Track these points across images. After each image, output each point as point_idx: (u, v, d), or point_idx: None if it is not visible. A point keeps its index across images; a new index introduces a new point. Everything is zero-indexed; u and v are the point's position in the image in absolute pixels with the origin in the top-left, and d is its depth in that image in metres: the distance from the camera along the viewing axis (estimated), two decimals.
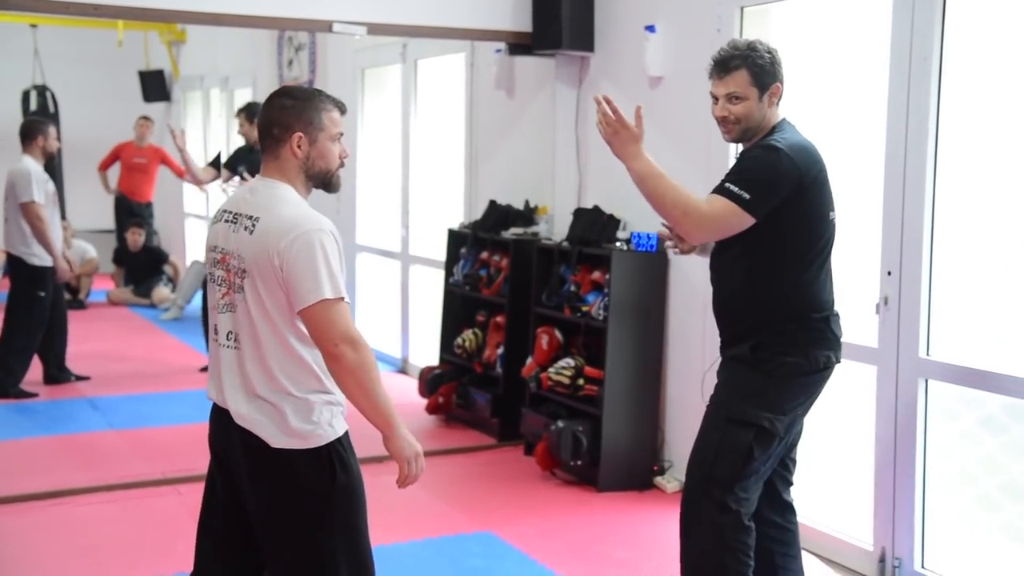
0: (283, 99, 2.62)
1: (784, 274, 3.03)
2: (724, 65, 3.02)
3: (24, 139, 6.39)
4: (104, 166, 10.30)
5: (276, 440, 2.52)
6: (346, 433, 2.60)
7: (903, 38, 3.71)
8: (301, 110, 2.59)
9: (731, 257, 3.09)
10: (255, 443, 2.54)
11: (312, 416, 2.54)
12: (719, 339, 3.20)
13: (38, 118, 7.50)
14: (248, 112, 6.53)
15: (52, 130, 6.47)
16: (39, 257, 6.28)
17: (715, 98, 3.08)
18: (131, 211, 10.14)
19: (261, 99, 8.61)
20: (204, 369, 6.94)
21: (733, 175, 2.99)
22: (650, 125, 4.95)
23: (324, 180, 2.65)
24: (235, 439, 2.58)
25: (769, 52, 3.03)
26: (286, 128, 2.58)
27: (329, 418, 2.56)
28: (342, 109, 2.68)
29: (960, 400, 3.73)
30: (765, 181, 2.94)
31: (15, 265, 6.33)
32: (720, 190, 2.97)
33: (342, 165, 2.68)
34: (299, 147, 2.59)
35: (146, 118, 10.39)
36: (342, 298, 2.49)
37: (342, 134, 2.66)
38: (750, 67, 3.00)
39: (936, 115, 3.65)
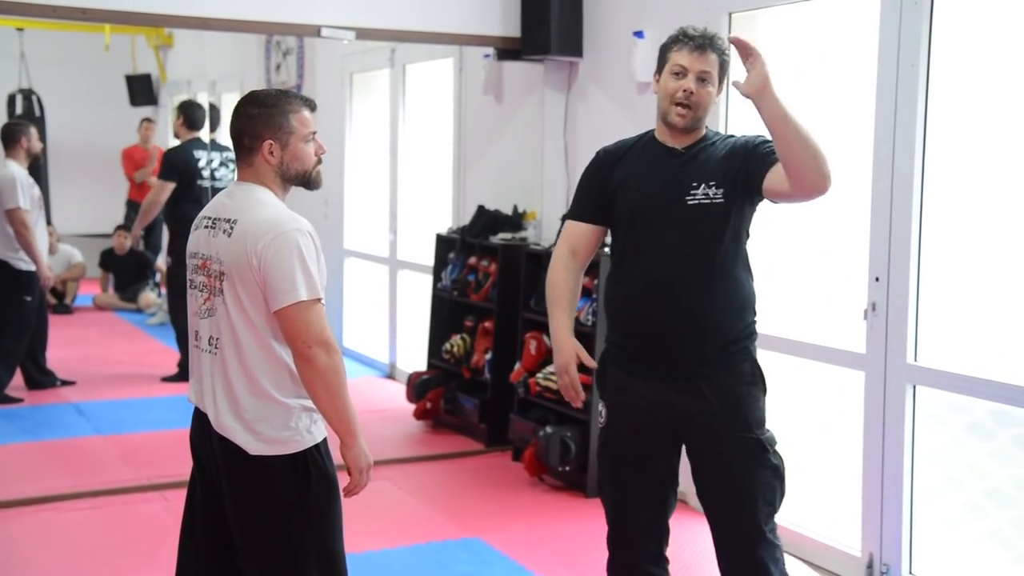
0: (249, 107, 2.60)
1: (749, 272, 2.92)
2: (705, 41, 2.83)
3: (6, 143, 6.36)
4: (131, 172, 10.19)
5: (253, 447, 2.53)
6: (324, 440, 2.60)
7: (890, 44, 3.73)
8: (269, 117, 2.57)
9: (713, 246, 2.82)
10: (233, 448, 2.54)
11: (290, 422, 2.54)
12: (677, 353, 2.86)
13: (18, 120, 7.47)
14: (181, 108, 6.86)
15: (34, 131, 6.45)
16: (25, 261, 6.24)
17: (680, 71, 2.83)
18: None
19: None
20: (166, 379, 6.93)
21: (765, 140, 2.80)
22: (638, 131, 4.95)
23: (303, 180, 2.65)
24: (215, 443, 2.59)
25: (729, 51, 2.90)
26: (256, 137, 2.58)
27: (308, 424, 2.56)
28: (311, 107, 2.65)
29: (948, 406, 3.74)
30: None
31: (0, 269, 6.29)
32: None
33: (319, 162, 2.66)
34: (271, 154, 2.58)
35: (149, 120, 10.37)
36: (318, 300, 2.48)
37: (315, 132, 2.64)
38: (720, 55, 2.86)
39: (923, 121, 3.66)
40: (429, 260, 6.32)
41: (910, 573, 3.78)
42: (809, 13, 4.25)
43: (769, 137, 2.76)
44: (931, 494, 3.78)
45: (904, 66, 3.67)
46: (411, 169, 7.16)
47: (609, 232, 3.03)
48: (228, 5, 4.82)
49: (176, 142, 7.04)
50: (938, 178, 3.69)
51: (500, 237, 5.69)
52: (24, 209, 6.13)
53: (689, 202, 2.83)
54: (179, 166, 6.68)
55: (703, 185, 2.83)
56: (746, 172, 2.81)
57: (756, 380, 2.90)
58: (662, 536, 3.01)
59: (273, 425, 2.53)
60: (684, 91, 2.82)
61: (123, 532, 4.40)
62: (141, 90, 11.60)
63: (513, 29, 5.38)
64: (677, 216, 2.84)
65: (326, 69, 7.92)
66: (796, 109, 2.67)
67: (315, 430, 2.58)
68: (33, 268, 6.26)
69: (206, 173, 6.73)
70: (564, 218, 3.08)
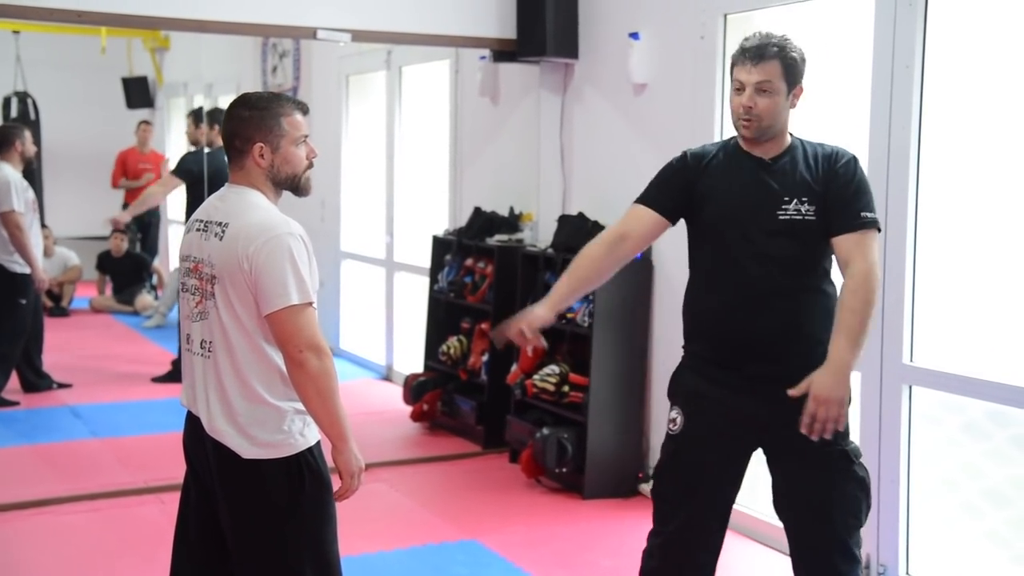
0: (240, 110, 2.60)
1: (833, 282, 2.88)
2: (759, 51, 2.76)
3: (0, 146, 6.36)
4: (115, 181, 10.20)
5: (246, 451, 2.53)
6: (318, 443, 2.60)
7: (885, 46, 3.73)
8: (260, 119, 2.57)
9: (803, 259, 2.80)
10: (226, 452, 2.54)
11: (283, 425, 2.54)
12: (759, 356, 2.81)
13: (11, 124, 7.46)
14: (195, 117, 6.76)
15: (28, 134, 6.44)
16: (20, 264, 6.23)
17: (740, 87, 2.79)
18: (140, 219, 10.08)
19: None
20: (157, 379, 6.92)
21: (857, 200, 2.76)
22: (634, 132, 4.96)
23: (292, 184, 2.64)
24: (208, 447, 2.59)
25: (799, 50, 2.82)
26: (247, 139, 2.57)
27: (301, 427, 2.56)
28: (304, 110, 2.65)
29: (943, 406, 3.74)
30: (873, 196, 2.82)
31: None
32: (861, 223, 2.75)
33: (310, 166, 2.65)
34: (262, 156, 2.57)
35: (147, 123, 10.36)
36: (310, 304, 2.48)
37: (306, 136, 2.63)
38: (784, 59, 2.76)
39: (918, 122, 3.66)
40: (426, 262, 6.32)
41: (907, 573, 3.78)
42: (804, 14, 4.26)
43: (852, 184, 2.78)
44: (927, 494, 3.79)
45: (899, 67, 3.68)
46: (407, 171, 7.16)
47: (689, 240, 2.96)
48: (224, 7, 4.81)
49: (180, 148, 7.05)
50: (933, 179, 3.69)
51: (496, 239, 5.69)
52: (18, 212, 6.11)
53: (780, 217, 2.78)
54: (193, 171, 6.62)
55: (795, 200, 2.79)
56: (828, 215, 2.78)
57: None
58: (717, 548, 2.95)
59: (266, 428, 2.53)
60: (743, 107, 2.78)
61: (119, 535, 4.39)
62: (137, 93, 11.58)
63: (509, 31, 5.38)
64: (770, 230, 2.79)
65: (322, 71, 7.92)
66: (855, 346, 2.68)
67: (308, 433, 2.58)
68: (28, 271, 6.25)
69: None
70: (635, 201, 2.95)
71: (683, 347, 3.00)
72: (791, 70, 2.78)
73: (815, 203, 2.78)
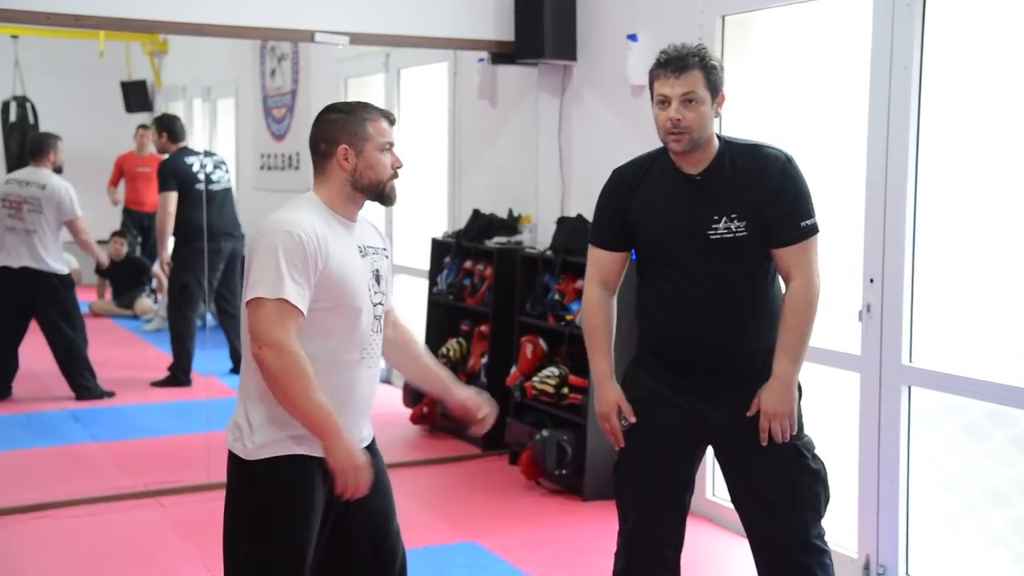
0: (329, 114, 2.61)
1: (777, 286, 2.93)
2: (680, 62, 2.74)
3: (35, 154, 6.53)
4: (114, 183, 10.21)
5: (231, 443, 2.59)
6: (294, 456, 2.54)
7: (883, 46, 3.73)
8: (346, 123, 2.57)
9: (741, 274, 2.84)
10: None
11: (266, 425, 2.54)
12: (708, 367, 2.89)
13: (45, 133, 7.46)
14: (155, 125, 7.12)
15: (60, 144, 6.74)
16: (66, 265, 6.68)
17: (663, 100, 2.76)
18: (140, 223, 10.08)
19: (244, 108, 8.64)
20: (156, 383, 6.92)
21: (795, 211, 2.79)
22: (631, 134, 4.96)
23: (377, 191, 2.62)
24: None
25: (718, 58, 2.85)
26: (332, 142, 2.57)
27: (269, 436, 2.54)
28: (390, 119, 2.64)
29: (943, 407, 3.74)
30: (808, 191, 2.83)
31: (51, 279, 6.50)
32: (799, 234, 2.79)
33: (395, 175, 2.64)
34: (346, 160, 2.57)
35: (145, 126, 10.36)
36: (279, 299, 2.42)
37: (392, 144, 2.62)
38: (704, 68, 2.76)
39: (917, 122, 3.66)
40: (425, 264, 6.32)
41: (907, 574, 3.78)
42: (802, 15, 4.26)
43: (788, 186, 2.81)
44: (927, 495, 3.78)
45: (897, 67, 3.68)
46: (406, 173, 7.13)
47: (636, 250, 3.00)
48: (221, 11, 4.81)
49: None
50: (932, 179, 3.69)
51: (495, 241, 5.69)
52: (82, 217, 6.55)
53: (712, 236, 2.80)
54: (175, 175, 6.77)
55: (724, 219, 2.80)
56: (766, 228, 2.81)
57: None
58: (679, 543, 3.01)
59: (249, 424, 2.56)
60: (671, 121, 2.76)
61: (119, 539, 4.39)
62: (136, 97, 11.56)
63: (507, 33, 5.38)
64: (702, 249, 2.82)
65: (321, 74, 7.91)
66: (795, 363, 2.84)
67: (277, 447, 2.53)
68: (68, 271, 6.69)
69: (201, 177, 6.76)
70: (590, 241, 3.05)
71: (637, 342, 3.05)
72: (712, 78, 2.78)
73: (745, 218, 2.80)
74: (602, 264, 3.01)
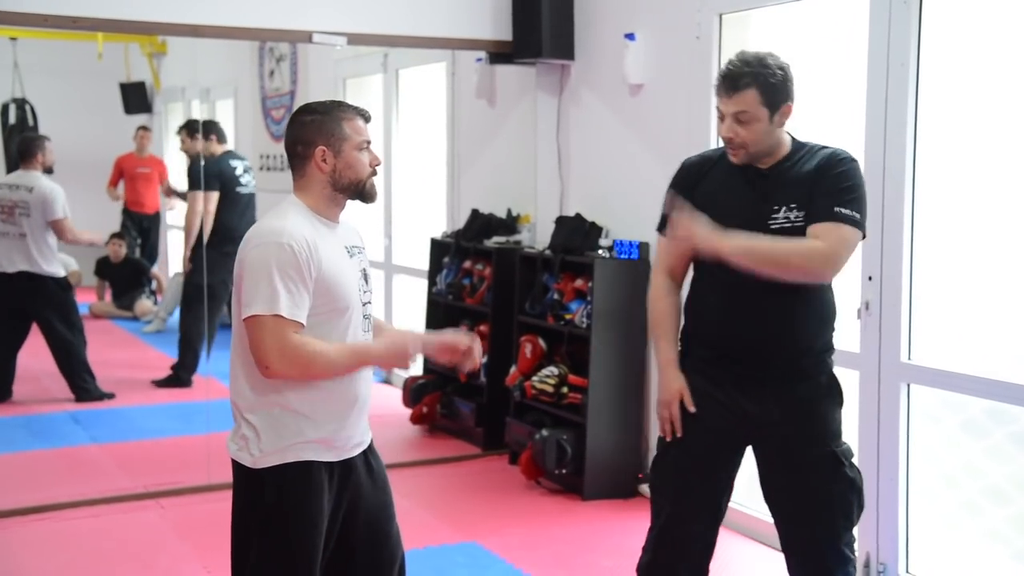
0: (303, 115, 2.60)
1: (831, 287, 2.90)
2: (733, 81, 2.75)
3: (24, 156, 6.51)
4: (113, 183, 10.22)
5: (234, 452, 2.58)
6: (301, 462, 2.54)
7: (880, 44, 3.73)
8: (321, 123, 2.56)
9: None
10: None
11: (269, 434, 2.54)
12: (755, 360, 2.86)
13: (32, 135, 7.49)
14: (189, 129, 7.04)
15: (49, 145, 6.68)
16: (63, 268, 6.60)
17: (721, 115, 2.81)
18: (140, 225, 10.08)
19: (242, 109, 8.63)
20: (157, 382, 6.93)
21: (838, 195, 2.74)
22: (630, 133, 4.95)
23: (357, 190, 2.61)
24: None
25: (781, 68, 2.78)
26: (309, 144, 2.56)
27: (280, 444, 2.53)
28: (366, 117, 2.63)
29: (942, 404, 3.74)
30: (864, 195, 2.79)
31: (48, 283, 6.45)
32: (834, 216, 2.72)
33: (374, 173, 2.64)
34: (324, 161, 2.56)
35: (145, 128, 10.37)
36: (276, 315, 2.42)
37: (369, 142, 2.62)
38: (761, 85, 2.74)
39: (914, 120, 3.66)
40: (424, 264, 6.32)
41: (907, 572, 3.78)
42: (800, 13, 4.26)
43: (838, 178, 2.75)
44: (927, 493, 3.78)
45: (894, 65, 3.68)
46: (405, 173, 7.16)
47: None
48: (219, 12, 4.81)
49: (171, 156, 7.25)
50: (930, 177, 3.69)
51: (494, 241, 5.69)
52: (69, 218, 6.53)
53: (772, 226, 2.79)
54: (219, 177, 6.78)
55: (783, 208, 2.79)
56: (809, 208, 2.78)
57: (833, 393, 2.90)
58: (709, 547, 2.99)
59: (252, 432, 2.55)
60: (725, 138, 2.80)
61: (120, 541, 4.39)
62: (135, 98, 11.56)
63: (505, 33, 5.38)
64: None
65: (319, 75, 7.91)
66: (746, 246, 2.74)
67: (284, 454, 2.53)
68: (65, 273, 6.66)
69: (244, 180, 6.84)
70: (658, 230, 3.01)
71: (680, 342, 3.02)
72: (771, 94, 2.76)
73: (804, 208, 2.78)
74: (670, 252, 3.00)
